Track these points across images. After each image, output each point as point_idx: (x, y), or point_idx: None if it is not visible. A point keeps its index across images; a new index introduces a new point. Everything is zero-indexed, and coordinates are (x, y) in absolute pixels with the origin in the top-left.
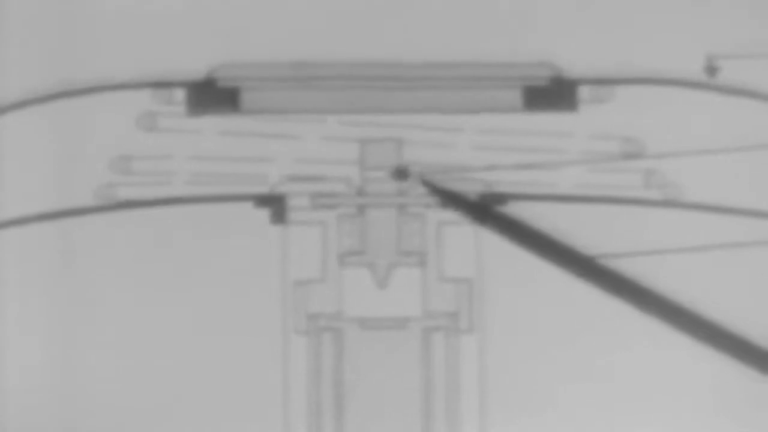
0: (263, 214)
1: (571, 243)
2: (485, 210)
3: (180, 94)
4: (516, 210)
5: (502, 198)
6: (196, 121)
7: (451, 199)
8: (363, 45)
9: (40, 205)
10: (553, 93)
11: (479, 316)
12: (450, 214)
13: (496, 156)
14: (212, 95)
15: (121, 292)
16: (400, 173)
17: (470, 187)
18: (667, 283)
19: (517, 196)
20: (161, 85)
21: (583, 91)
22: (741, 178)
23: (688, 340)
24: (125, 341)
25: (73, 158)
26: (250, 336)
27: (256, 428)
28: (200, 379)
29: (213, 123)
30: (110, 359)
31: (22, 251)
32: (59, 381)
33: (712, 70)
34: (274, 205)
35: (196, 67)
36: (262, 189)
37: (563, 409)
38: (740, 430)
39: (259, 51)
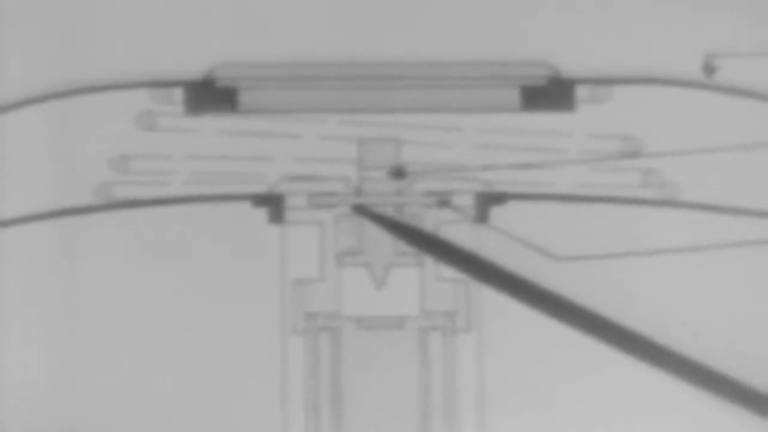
0: (261, 213)
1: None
2: (425, 238)
3: (178, 94)
4: (514, 209)
5: (500, 197)
6: (195, 121)
7: (390, 227)
8: (361, 45)
9: (39, 204)
10: (551, 92)
11: (477, 315)
12: (447, 214)
13: (494, 155)
14: (211, 95)
15: (119, 291)
16: (398, 173)
17: (468, 187)
18: (665, 282)
19: (515, 195)
20: (160, 84)
21: (581, 91)
22: (739, 178)
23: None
24: (123, 340)
25: (72, 157)
26: (248, 335)
27: (254, 427)
28: (198, 378)
29: (211, 123)
30: (108, 357)
31: (21, 250)
32: (59, 378)
33: (710, 69)
34: (272, 204)
35: (194, 67)
36: (260, 188)
37: (561, 407)
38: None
39: (257, 51)
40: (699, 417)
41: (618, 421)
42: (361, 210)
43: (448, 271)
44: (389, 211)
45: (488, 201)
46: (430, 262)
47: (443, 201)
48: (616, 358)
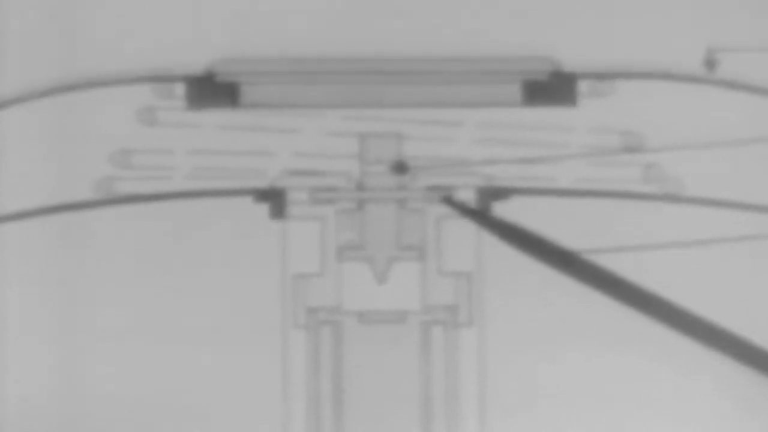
0: (262, 208)
1: (577, 242)
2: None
3: (180, 89)
4: (515, 204)
5: (502, 192)
6: (196, 116)
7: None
8: (362, 39)
9: (40, 200)
10: (552, 87)
11: (478, 309)
12: (449, 209)
13: (496, 150)
14: (212, 89)
15: (120, 286)
16: (400, 167)
17: (470, 182)
18: (667, 278)
19: (516, 190)
20: (161, 79)
21: (583, 86)
22: (741, 172)
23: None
24: (124, 335)
25: (73, 152)
26: (249, 330)
27: (255, 422)
28: (199, 373)
29: (213, 117)
30: (109, 352)
31: (21, 245)
32: (59, 372)
33: (711, 63)
34: (274, 199)
35: (195, 62)
36: (261, 183)
37: (562, 402)
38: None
39: (258, 45)
40: (703, 413)
41: (620, 415)
42: (449, 201)
43: (450, 265)
44: (391, 207)
45: (490, 196)
46: (431, 255)
47: (445, 196)
48: (618, 352)
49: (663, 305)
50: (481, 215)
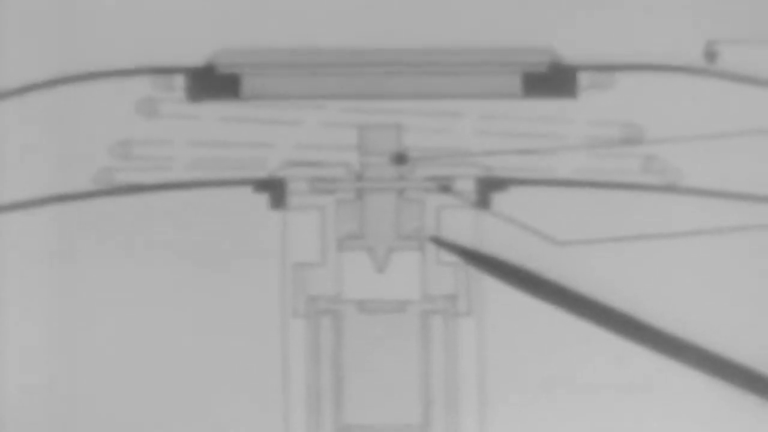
0: (263, 198)
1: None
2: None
3: (180, 80)
4: (514, 195)
5: (502, 183)
6: (196, 107)
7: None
8: (363, 31)
9: (39, 190)
10: (552, 79)
11: (478, 299)
12: (449, 200)
13: (496, 141)
14: (212, 81)
15: (119, 276)
16: (399, 158)
17: (469, 172)
18: (666, 268)
19: (515, 181)
20: (161, 71)
21: (583, 77)
22: (740, 164)
23: None
24: (124, 325)
25: (73, 144)
26: (250, 319)
27: (255, 411)
28: (199, 363)
29: (213, 109)
30: (108, 342)
31: (21, 236)
32: (58, 362)
33: (711, 55)
34: (274, 189)
35: (196, 53)
36: (261, 174)
37: (561, 391)
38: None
39: (259, 37)
40: (701, 407)
41: (618, 404)
42: (437, 241)
43: (449, 255)
44: (391, 197)
45: (490, 186)
46: (431, 245)
47: (445, 186)
48: (614, 343)
49: (654, 335)
50: (470, 253)
